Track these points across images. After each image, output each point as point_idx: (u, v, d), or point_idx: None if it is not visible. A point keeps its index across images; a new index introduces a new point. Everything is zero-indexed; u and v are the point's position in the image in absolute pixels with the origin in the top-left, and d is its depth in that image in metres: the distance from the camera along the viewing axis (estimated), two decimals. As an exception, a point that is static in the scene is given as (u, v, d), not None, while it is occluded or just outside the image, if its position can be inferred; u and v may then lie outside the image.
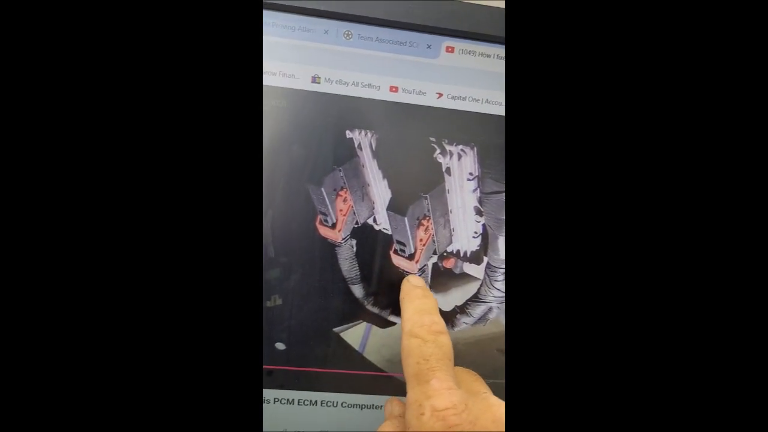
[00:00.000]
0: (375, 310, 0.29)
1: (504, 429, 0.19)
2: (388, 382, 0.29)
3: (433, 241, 0.29)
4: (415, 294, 0.25)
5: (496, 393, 0.23)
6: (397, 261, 0.29)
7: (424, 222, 0.28)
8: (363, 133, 0.28)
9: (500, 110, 0.28)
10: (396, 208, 0.28)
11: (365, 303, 0.29)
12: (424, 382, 0.20)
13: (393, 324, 0.29)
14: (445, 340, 0.22)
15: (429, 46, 0.28)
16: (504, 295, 0.29)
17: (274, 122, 0.27)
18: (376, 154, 0.28)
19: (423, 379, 0.20)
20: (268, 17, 0.26)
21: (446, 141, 0.28)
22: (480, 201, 0.29)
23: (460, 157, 0.28)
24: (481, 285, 0.29)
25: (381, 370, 0.29)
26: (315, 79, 0.27)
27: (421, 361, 0.21)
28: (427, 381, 0.20)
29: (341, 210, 0.28)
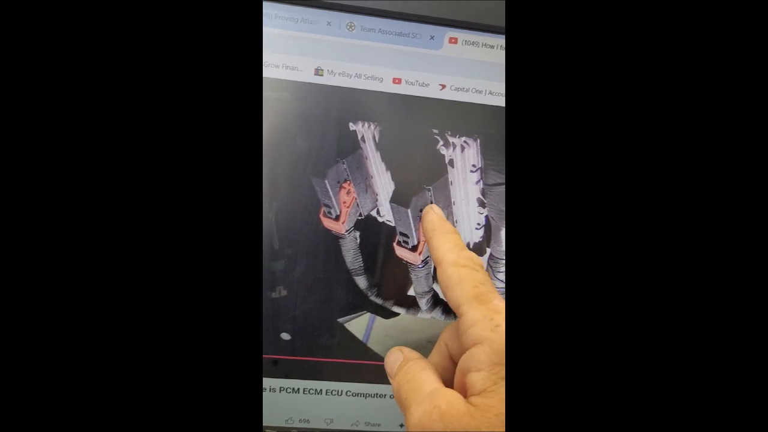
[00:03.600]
0: (378, 300, 0.29)
1: None
2: (392, 372, 0.29)
3: (436, 233, 0.29)
4: (447, 227, 0.26)
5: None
6: (401, 252, 0.29)
7: (428, 214, 0.29)
8: (366, 125, 0.28)
9: (503, 102, 0.28)
10: (399, 199, 0.28)
11: (369, 294, 0.29)
12: (487, 302, 0.21)
13: (396, 315, 0.29)
14: (486, 272, 0.23)
15: (432, 38, 0.27)
16: (506, 285, 0.30)
17: (278, 114, 0.27)
18: (379, 146, 0.28)
19: (485, 299, 0.21)
20: (271, 9, 0.26)
21: (449, 133, 0.28)
22: (483, 192, 0.29)
23: (463, 148, 0.28)
24: (483, 276, 0.29)
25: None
26: (318, 71, 0.27)
27: (479, 285, 0.22)
28: (491, 301, 0.21)
29: (345, 202, 0.28)
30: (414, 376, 0.22)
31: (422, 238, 0.29)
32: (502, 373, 0.19)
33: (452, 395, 0.20)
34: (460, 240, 0.25)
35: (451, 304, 0.22)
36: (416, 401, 0.21)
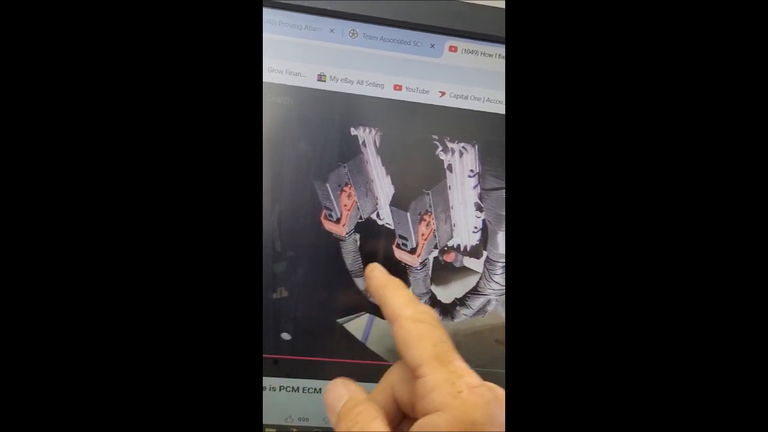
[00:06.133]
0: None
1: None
2: (390, 371, 0.30)
3: (435, 236, 0.30)
4: (397, 282, 0.25)
5: (495, 383, 0.24)
6: (400, 255, 0.29)
7: (426, 217, 0.29)
8: (367, 130, 0.28)
9: (501, 109, 0.29)
10: (399, 203, 0.29)
11: (368, 295, 0.29)
12: (448, 363, 0.20)
13: (395, 315, 0.30)
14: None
15: (432, 46, 0.28)
16: (502, 287, 0.30)
17: (281, 119, 0.28)
18: (379, 151, 0.28)
19: (446, 360, 0.20)
20: (275, 15, 0.27)
21: (448, 138, 0.29)
22: (480, 197, 0.29)
23: (461, 154, 0.29)
24: (480, 278, 0.30)
25: (383, 360, 0.30)
26: (321, 77, 0.28)
27: (439, 344, 0.21)
28: (450, 362, 0.20)
29: (346, 205, 0.29)
30: (364, 425, 0.20)
31: (421, 241, 0.29)
32: None
33: None
34: (413, 295, 0.24)
35: (409, 363, 0.21)
36: None
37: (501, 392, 0.20)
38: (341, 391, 0.23)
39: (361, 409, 0.21)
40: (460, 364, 0.20)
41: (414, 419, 0.20)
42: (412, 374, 0.21)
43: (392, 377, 0.23)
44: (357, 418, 0.21)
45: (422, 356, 0.20)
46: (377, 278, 0.25)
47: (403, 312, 0.22)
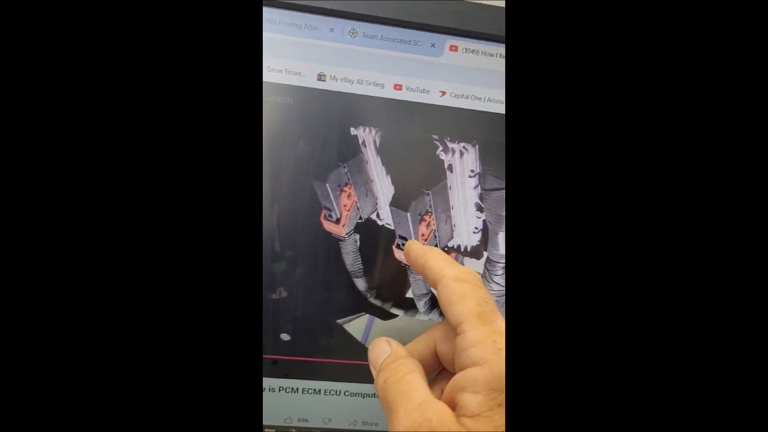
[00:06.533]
0: (377, 302, 0.30)
1: None
2: (390, 372, 0.30)
3: (435, 236, 0.29)
4: (436, 250, 0.25)
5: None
6: (400, 255, 0.29)
7: (426, 217, 0.29)
8: (367, 130, 0.28)
9: (502, 108, 0.29)
10: (399, 203, 0.29)
11: (368, 296, 0.29)
12: (491, 321, 0.21)
13: (395, 316, 0.30)
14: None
15: (433, 45, 0.28)
16: (503, 288, 0.30)
17: (281, 119, 0.27)
18: (379, 151, 0.28)
19: (488, 319, 0.21)
20: (275, 15, 0.27)
21: (448, 138, 0.29)
22: (481, 197, 0.29)
23: (461, 154, 0.29)
24: (480, 279, 0.30)
25: (382, 361, 0.30)
26: (321, 77, 0.28)
27: (482, 303, 0.21)
28: (493, 321, 0.21)
29: (345, 205, 0.29)
30: (403, 377, 0.21)
31: (421, 241, 0.29)
32: (500, 399, 0.19)
33: (444, 411, 0.20)
34: (453, 260, 0.24)
35: (451, 320, 0.22)
36: (405, 408, 0.20)
37: None
38: (384, 347, 0.24)
39: (400, 362, 0.22)
40: (502, 324, 0.21)
41: (451, 374, 0.21)
42: (454, 331, 0.22)
43: (436, 332, 0.24)
44: (396, 369, 0.22)
45: (464, 313, 0.21)
46: (416, 249, 0.25)
47: (447, 272, 0.23)
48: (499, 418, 0.18)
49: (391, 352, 0.23)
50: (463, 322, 0.21)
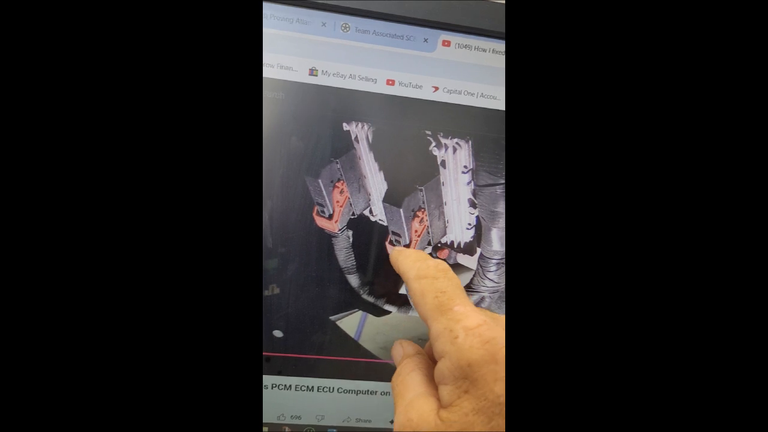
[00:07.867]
0: (370, 299, 0.29)
1: None
2: (383, 369, 0.30)
3: (428, 233, 0.29)
4: (406, 252, 0.26)
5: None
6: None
7: (419, 213, 0.29)
8: (360, 125, 0.28)
9: (495, 104, 0.29)
10: (392, 199, 0.29)
11: (361, 292, 0.29)
12: (447, 310, 0.21)
13: (388, 312, 0.30)
14: (453, 275, 0.23)
15: (426, 40, 0.28)
16: (496, 285, 0.30)
17: (272, 114, 0.27)
18: (372, 147, 0.28)
19: (445, 308, 0.21)
20: (267, 9, 0.27)
21: (441, 134, 0.29)
22: (474, 193, 0.29)
23: (455, 150, 0.29)
24: (474, 275, 0.30)
25: (376, 357, 0.30)
26: (312, 72, 0.27)
27: (439, 294, 0.21)
28: (450, 308, 0.21)
29: (338, 201, 0.28)
30: (404, 377, 0.22)
31: (414, 237, 0.29)
32: (465, 386, 0.19)
33: (424, 408, 0.20)
34: (420, 254, 0.25)
35: (422, 319, 0.22)
36: (399, 407, 0.21)
37: (501, 320, 0.21)
38: (397, 350, 0.25)
39: (405, 362, 0.24)
40: (459, 309, 0.21)
41: None
42: None
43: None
44: (400, 370, 0.23)
45: (426, 310, 0.22)
46: (392, 255, 0.26)
47: (408, 274, 0.24)
48: (468, 405, 0.19)
49: (402, 353, 0.24)
50: (426, 318, 0.22)
